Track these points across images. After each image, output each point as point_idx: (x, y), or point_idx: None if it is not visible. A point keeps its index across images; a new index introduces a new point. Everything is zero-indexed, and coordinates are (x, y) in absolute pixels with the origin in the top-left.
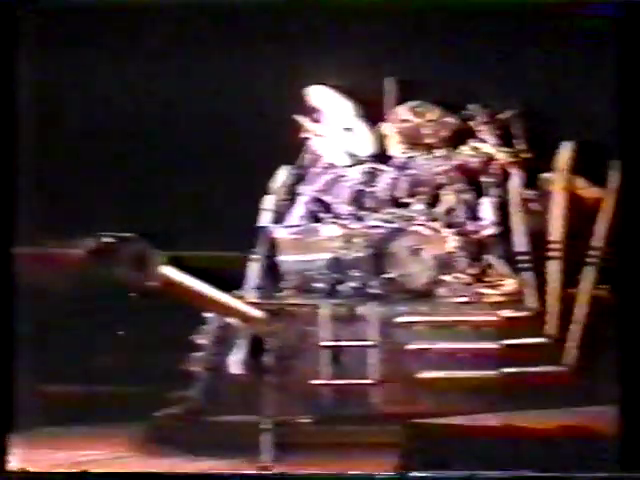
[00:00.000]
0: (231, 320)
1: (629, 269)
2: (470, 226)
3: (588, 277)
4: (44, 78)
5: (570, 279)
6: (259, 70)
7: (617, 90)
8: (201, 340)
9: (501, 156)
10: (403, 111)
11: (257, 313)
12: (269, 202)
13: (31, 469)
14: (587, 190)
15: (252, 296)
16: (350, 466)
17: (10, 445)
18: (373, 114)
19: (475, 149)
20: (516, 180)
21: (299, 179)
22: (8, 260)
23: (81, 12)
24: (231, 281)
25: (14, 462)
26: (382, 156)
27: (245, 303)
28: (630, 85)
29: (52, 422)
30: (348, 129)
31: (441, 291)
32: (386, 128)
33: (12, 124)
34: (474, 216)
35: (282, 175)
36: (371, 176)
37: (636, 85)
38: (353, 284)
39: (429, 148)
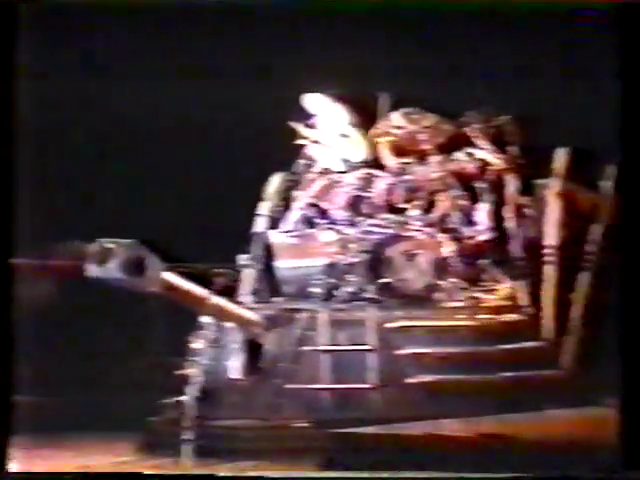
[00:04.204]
0: (229, 325)
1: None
2: (465, 231)
3: (583, 281)
4: (43, 81)
5: (565, 283)
6: (255, 78)
7: (614, 96)
8: (198, 345)
9: (496, 162)
10: (397, 118)
11: (255, 318)
12: (264, 208)
13: (31, 470)
14: (582, 196)
15: (249, 301)
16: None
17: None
18: (368, 121)
19: (470, 155)
20: (511, 186)
21: (294, 185)
22: (7, 271)
23: (80, 11)
24: (229, 286)
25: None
26: (378, 162)
27: (243, 308)
28: (630, 90)
29: (50, 428)
30: (344, 135)
31: (437, 296)
32: (381, 135)
33: (11, 129)
34: (469, 221)
35: (276, 181)
36: (367, 182)
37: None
38: (349, 289)
39: (424, 154)
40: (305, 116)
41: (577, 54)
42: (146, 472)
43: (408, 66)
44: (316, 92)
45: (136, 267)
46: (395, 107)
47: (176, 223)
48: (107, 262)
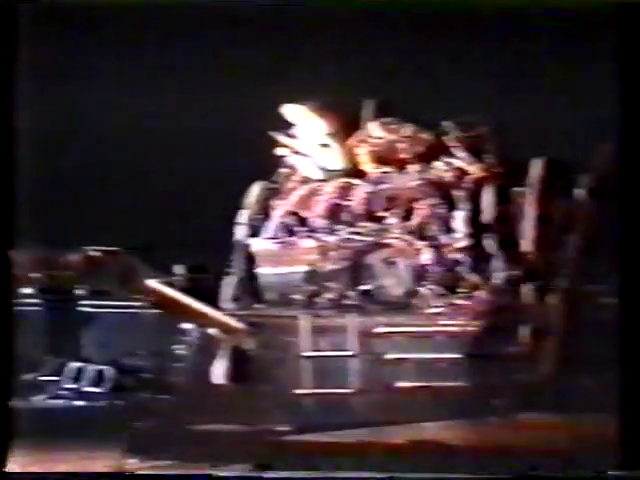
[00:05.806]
0: (213, 331)
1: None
2: (443, 239)
3: (560, 287)
4: (43, 81)
5: (543, 290)
6: (236, 87)
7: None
8: (182, 351)
9: (473, 171)
10: (375, 128)
11: (238, 325)
12: (244, 217)
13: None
14: (558, 204)
15: (232, 308)
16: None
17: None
18: (347, 131)
19: (448, 164)
20: (488, 194)
21: (274, 194)
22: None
23: (81, 11)
24: (213, 294)
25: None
26: (357, 171)
27: (226, 315)
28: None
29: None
30: (323, 145)
31: (417, 302)
32: (360, 144)
33: (11, 129)
34: (447, 229)
35: (256, 190)
36: (346, 191)
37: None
38: (330, 296)
39: (403, 163)
40: (285, 125)
41: (564, 58)
42: (145, 472)
43: (387, 74)
44: (296, 101)
45: (123, 274)
46: (374, 116)
47: (160, 231)
48: (95, 270)
